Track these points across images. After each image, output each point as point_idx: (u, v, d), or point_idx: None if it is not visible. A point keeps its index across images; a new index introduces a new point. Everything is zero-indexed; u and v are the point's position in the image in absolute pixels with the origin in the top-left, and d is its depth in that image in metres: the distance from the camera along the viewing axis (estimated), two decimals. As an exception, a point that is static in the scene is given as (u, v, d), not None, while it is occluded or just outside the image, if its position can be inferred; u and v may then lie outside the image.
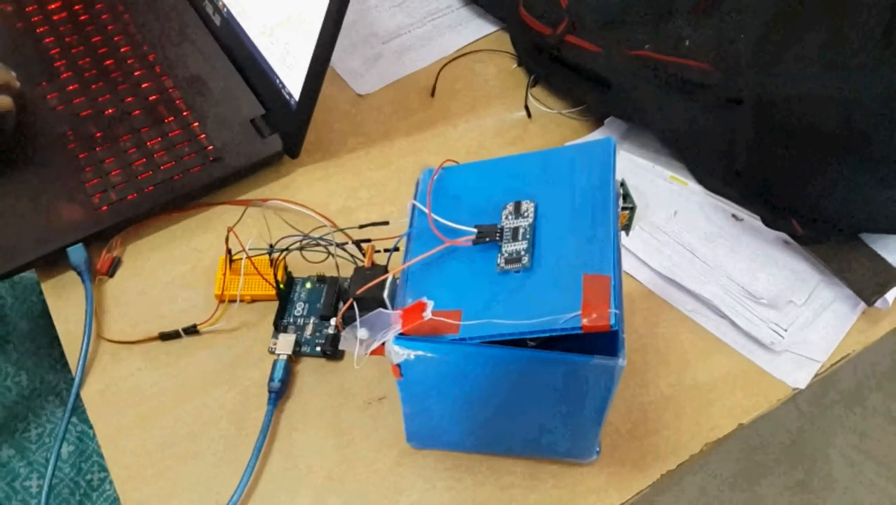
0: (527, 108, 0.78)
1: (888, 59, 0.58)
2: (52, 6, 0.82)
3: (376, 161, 0.74)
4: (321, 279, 0.64)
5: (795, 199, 0.63)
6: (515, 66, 0.82)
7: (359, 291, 0.47)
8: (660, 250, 0.66)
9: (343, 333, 0.47)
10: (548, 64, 0.76)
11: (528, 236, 0.47)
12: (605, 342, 0.45)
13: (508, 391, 0.48)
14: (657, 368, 0.61)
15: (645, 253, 0.66)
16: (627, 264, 0.66)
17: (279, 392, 0.58)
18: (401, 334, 0.45)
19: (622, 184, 0.54)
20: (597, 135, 0.74)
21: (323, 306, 0.62)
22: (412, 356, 0.46)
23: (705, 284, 0.64)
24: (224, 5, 0.78)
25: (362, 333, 0.46)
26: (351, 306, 0.47)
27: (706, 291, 0.63)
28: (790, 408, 1.43)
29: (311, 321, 0.62)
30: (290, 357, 0.59)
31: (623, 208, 0.53)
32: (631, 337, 0.62)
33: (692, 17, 0.72)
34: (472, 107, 0.79)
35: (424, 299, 0.45)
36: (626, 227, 0.55)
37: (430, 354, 0.45)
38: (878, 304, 0.62)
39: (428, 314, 0.45)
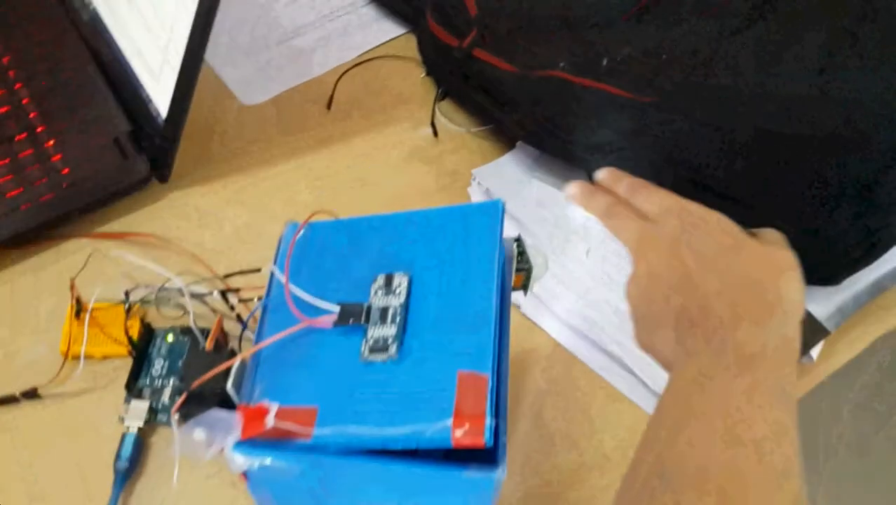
0: (433, 125, 0.70)
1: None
2: None
3: (259, 188, 0.66)
4: (185, 331, 0.56)
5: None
6: (424, 75, 0.74)
7: (194, 385, 0.40)
8: (567, 296, 0.60)
9: (177, 434, 0.39)
10: (456, 78, 0.69)
11: (397, 319, 0.40)
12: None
13: (374, 499, 0.42)
14: (560, 436, 0.55)
15: (551, 299, 0.59)
16: (532, 311, 0.60)
17: (126, 473, 0.50)
18: (241, 442, 0.38)
19: (518, 240, 0.47)
20: (507, 159, 0.67)
21: (184, 366, 0.54)
22: (256, 465, 0.39)
23: (614, 337, 0.58)
24: (90, 0, 0.68)
25: (199, 433, 0.39)
26: (188, 400, 0.40)
27: (614, 345, 0.57)
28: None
29: (171, 382, 0.54)
30: (141, 429, 0.52)
31: (518, 269, 0.47)
32: (532, 401, 0.56)
33: (618, 27, 0.65)
34: (374, 122, 0.71)
35: (266, 403, 0.38)
36: (524, 287, 0.49)
37: (278, 463, 0.39)
38: (803, 359, 0.57)
39: (271, 421, 0.38)
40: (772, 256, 0.42)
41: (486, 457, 0.38)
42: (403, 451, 0.39)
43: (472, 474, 0.38)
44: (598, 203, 0.47)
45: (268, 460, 0.38)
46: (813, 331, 0.57)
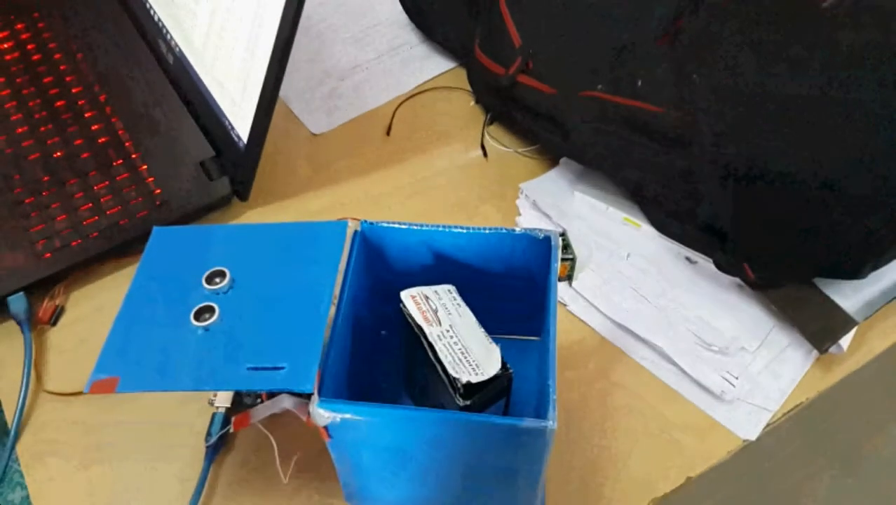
0: (483, 147, 0.77)
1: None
2: (4, 45, 0.81)
3: (327, 203, 0.73)
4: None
5: (752, 241, 0.62)
6: (473, 103, 0.81)
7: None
8: (612, 295, 0.65)
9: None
10: (503, 103, 0.76)
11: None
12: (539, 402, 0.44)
13: (435, 452, 0.47)
14: (607, 419, 0.60)
15: (597, 298, 0.65)
16: (579, 309, 0.65)
17: (216, 448, 0.56)
18: (324, 399, 0.44)
19: (563, 234, 0.53)
20: (552, 175, 0.73)
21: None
22: (338, 419, 0.45)
23: (656, 331, 0.62)
24: (176, 44, 0.77)
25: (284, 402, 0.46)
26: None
27: (657, 338, 0.62)
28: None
29: (254, 372, 0.60)
30: (228, 410, 0.58)
31: (563, 259, 0.53)
32: (582, 386, 0.61)
33: (651, 50, 0.71)
34: (428, 146, 0.78)
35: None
36: (569, 278, 0.54)
37: (357, 418, 0.44)
38: (833, 349, 0.61)
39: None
40: None
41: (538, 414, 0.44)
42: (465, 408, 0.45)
43: (529, 424, 0.43)
44: None
45: (349, 414, 0.44)
46: (842, 321, 0.61)
